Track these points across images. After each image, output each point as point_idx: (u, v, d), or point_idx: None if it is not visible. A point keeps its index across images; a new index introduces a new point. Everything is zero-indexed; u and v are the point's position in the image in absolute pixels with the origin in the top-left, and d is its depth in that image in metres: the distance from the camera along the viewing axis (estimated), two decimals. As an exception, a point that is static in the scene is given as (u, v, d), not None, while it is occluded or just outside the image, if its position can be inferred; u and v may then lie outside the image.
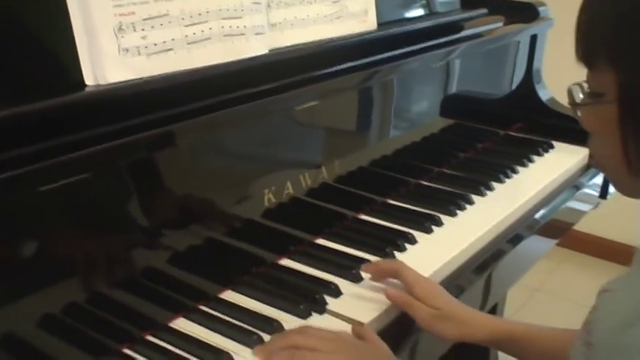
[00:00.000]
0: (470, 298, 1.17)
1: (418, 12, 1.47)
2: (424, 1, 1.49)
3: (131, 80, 0.87)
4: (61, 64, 0.85)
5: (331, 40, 1.17)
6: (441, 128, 1.59)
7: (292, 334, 0.91)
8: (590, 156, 1.59)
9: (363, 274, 1.09)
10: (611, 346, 0.72)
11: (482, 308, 1.27)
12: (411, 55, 1.33)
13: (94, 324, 0.90)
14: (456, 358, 1.44)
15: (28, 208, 0.79)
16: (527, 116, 1.80)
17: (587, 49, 0.73)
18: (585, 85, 0.76)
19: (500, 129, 1.79)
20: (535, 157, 1.64)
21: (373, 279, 1.07)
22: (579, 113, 0.79)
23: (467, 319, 1.01)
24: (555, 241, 1.59)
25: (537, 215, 1.41)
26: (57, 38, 0.84)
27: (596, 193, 1.69)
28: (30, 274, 0.82)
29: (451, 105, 1.58)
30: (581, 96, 0.77)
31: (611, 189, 1.60)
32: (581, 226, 2.71)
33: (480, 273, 1.21)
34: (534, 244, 1.44)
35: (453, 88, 1.60)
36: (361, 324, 0.96)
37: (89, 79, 0.85)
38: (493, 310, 1.85)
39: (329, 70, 1.13)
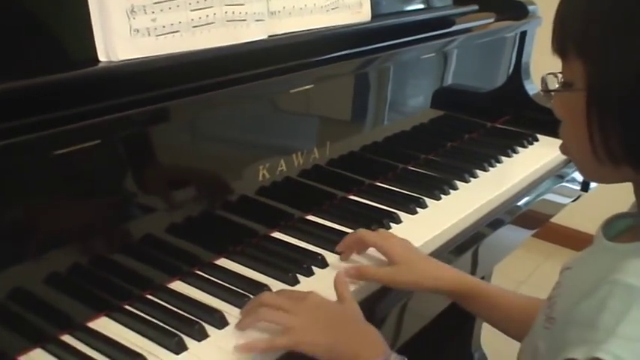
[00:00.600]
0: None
1: (411, 6, 1.55)
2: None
3: (140, 58, 0.94)
4: (78, 41, 0.92)
5: (326, 29, 1.24)
6: (431, 118, 1.67)
7: (266, 294, 0.99)
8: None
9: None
10: (566, 319, 0.78)
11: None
12: (402, 46, 1.41)
13: (99, 282, 0.98)
14: (438, 332, 1.53)
15: (44, 169, 0.87)
16: (514, 110, 1.88)
17: (561, 40, 0.79)
18: (560, 76, 0.84)
19: (487, 121, 1.87)
20: (519, 149, 1.72)
21: (343, 258, 1.14)
22: (552, 101, 0.86)
23: (428, 270, 1.09)
24: (533, 231, 1.68)
25: (518, 203, 1.50)
26: (75, 18, 0.91)
27: (577, 187, 1.77)
28: (43, 234, 0.90)
29: (442, 97, 1.65)
30: (556, 85, 0.84)
31: (593, 183, 1.68)
32: (568, 222, 2.80)
33: (459, 253, 1.29)
34: (514, 231, 1.52)
35: (444, 81, 1.68)
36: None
37: (102, 56, 0.92)
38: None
39: (323, 57, 1.21)
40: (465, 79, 1.77)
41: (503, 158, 1.66)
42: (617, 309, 0.69)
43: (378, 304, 1.10)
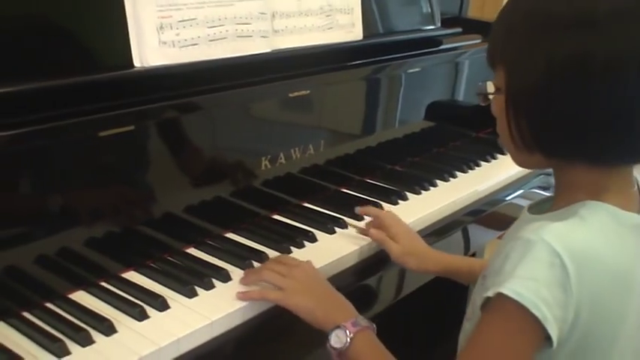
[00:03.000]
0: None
1: (400, 27, 1.77)
2: (406, 19, 1.79)
3: (166, 64, 1.19)
4: (118, 50, 1.15)
5: (322, 46, 1.48)
6: (422, 128, 1.90)
7: (271, 261, 1.22)
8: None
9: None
10: (489, 273, 0.96)
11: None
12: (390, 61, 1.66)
13: (133, 244, 1.21)
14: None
15: (87, 148, 1.11)
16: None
17: (491, 53, 0.99)
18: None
19: (472, 132, 2.09)
20: (499, 155, 1.94)
21: (360, 212, 1.42)
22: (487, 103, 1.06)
23: (426, 255, 1.33)
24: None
25: (492, 199, 1.73)
26: (116, 32, 1.15)
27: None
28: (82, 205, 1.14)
29: (433, 109, 1.88)
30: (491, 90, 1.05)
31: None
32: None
33: (437, 237, 1.52)
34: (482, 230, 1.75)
35: (435, 95, 1.91)
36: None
37: (137, 62, 1.16)
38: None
39: (318, 68, 1.45)
40: (455, 94, 2.00)
41: (483, 163, 1.89)
42: (516, 257, 0.87)
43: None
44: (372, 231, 1.35)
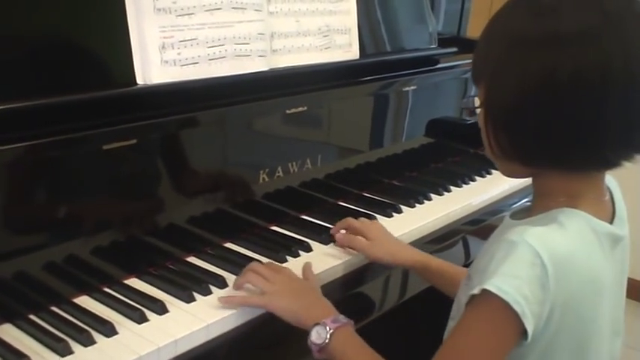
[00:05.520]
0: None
1: (397, 47, 1.84)
2: (403, 39, 1.86)
3: (168, 82, 1.26)
4: (122, 68, 1.23)
5: (318, 65, 1.55)
6: (420, 144, 1.96)
7: (256, 264, 1.27)
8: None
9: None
10: (473, 273, 1.03)
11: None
12: (386, 79, 1.72)
13: (137, 252, 1.27)
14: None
15: (92, 160, 1.17)
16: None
17: (474, 72, 1.06)
18: None
19: (471, 148, 2.15)
20: (493, 171, 2.00)
21: (339, 243, 1.45)
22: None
23: (394, 249, 1.40)
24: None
25: (480, 215, 1.79)
26: (120, 52, 1.22)
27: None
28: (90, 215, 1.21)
29: (430, 126, 1.95)
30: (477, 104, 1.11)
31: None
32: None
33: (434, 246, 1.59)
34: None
35: (433, 113, 1.97)
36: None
37: (140, 79, 1.23)
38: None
39: (315, 86, 1.52)
40: (454, 112, 2.05)
41: (478, 178, 1.95)
42: (500, 257, 0.93)
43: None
44: (338, 236, 1.44)
